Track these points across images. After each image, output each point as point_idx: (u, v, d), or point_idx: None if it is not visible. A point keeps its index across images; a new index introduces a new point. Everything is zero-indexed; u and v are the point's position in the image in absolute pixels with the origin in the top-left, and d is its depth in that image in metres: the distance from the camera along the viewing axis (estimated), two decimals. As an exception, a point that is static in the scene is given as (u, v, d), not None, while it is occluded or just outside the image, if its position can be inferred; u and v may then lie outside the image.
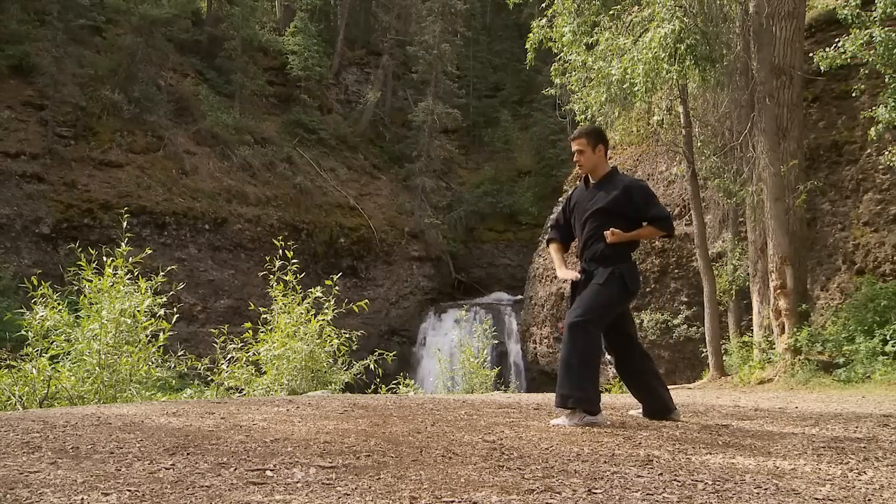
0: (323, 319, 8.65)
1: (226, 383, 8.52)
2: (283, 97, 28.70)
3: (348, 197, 26.55)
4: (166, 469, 2.58)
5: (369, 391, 9.66)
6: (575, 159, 4.34)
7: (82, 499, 2.13)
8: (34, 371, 6.80)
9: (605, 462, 2.87)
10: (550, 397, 7.19)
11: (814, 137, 13.09)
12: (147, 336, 7.49)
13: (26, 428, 3.54)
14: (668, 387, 4.66)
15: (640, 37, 10.73)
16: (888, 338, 9.21)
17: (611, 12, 11.51)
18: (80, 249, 8.40)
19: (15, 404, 6.64)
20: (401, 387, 11.35)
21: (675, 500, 2.26)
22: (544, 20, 12.55)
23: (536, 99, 29.16)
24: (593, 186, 4.34)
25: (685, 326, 15.43)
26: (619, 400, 7.13)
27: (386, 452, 2.99)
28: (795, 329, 9.80)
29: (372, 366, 8.98)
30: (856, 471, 2.85)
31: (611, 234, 4.14)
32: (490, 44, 37.42)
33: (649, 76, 9.97)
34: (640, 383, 4.46)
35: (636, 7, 11.55)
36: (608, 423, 4.09)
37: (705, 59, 9.90)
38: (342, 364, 8.91)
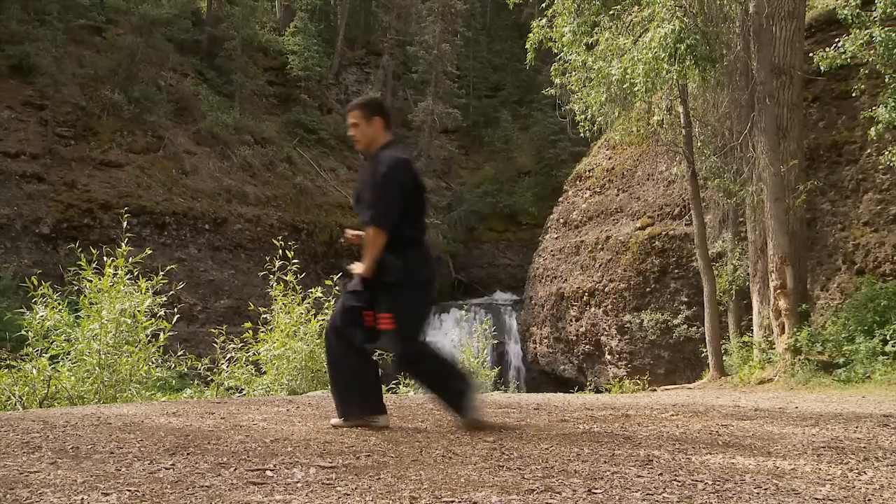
0: (323, 319, 8.65)
1: (226, 383, 8.53)
2: (283, 97, 28.70)
3: (348, 197, 26.54)
4: (166, 469, 2.58)
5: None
6: (350, 133, 3.86)
7: (82, 499, 2.14)
8: (34, 371, 6.81)
9: (605, 462, 2.87)
10: (551, 397, 7.19)
11: (814, 137, 13.08)
12: (147, 336, 7.50)
13: (26, 428, 3.54)
14: (666, 387, 4.57)
15: (640, 37, 10.74)
16: (888, 338, 9.21)
17: (611, 12, 11.51)
18: (80, 249, 8.41)
19: (15, 404, 6.64)
20: (401, 387, 11.36)
21: (675, 500, 2.26)
22: (544, 20, 12.56)
23: (536, 99, 29.16)
24: (368, 163, 3.89)
25: (685, 326, 15.42)
26: (619, 400, 7.13)
27: (386, 452, 3.00)
28: (795, 329, 9.80)
29: (372, 366, 8.97)
30: (856, 471, 2.85)
31: (351, 235, 3.83)
32: (490, 44, 37.41)
33: (649, 76, 9.97)
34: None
35: (636, 7, 11.55)
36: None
37: (705, 59, 9.90)
38: (342, 364, 8.90)
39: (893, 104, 9.12)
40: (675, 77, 10.15)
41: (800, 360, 9.57)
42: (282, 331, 8.50)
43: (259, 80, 27.08)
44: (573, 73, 12.32)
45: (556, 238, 20.21)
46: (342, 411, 3.82)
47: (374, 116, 3.81)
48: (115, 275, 7.42)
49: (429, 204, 3.89)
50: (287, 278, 8.76)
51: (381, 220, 3.60)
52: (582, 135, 13.51)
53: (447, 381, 3.79)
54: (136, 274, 7.62)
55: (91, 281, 7.37)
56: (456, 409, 3.78)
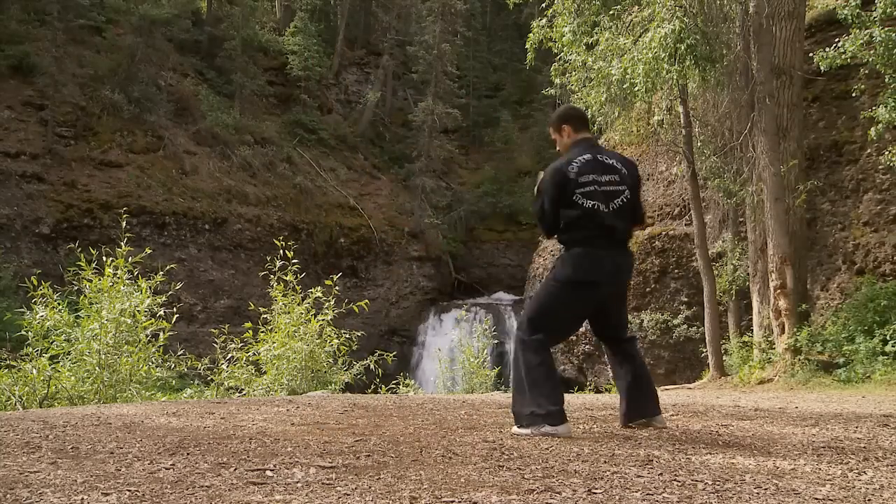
0: (323, 319, 8.66)
1: (226, 383, 8.53)
2: (283, 97, 28.69)
3: (348, 197, 26.55)
4: (166, 469, 2.58)
5: (369, 391, 9.67)
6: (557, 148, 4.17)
7: (82, 499, 2.14)
8: (34, 371, 6.81)
9: (605, 462, 2.87)
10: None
11: (814, 137, 13.08)
12: (147, 336, 7.50)
13: (26, 428, 3.54)
14: (666, 387, 4.52)
15: (640, 37, 10.73)
16: (888, 338, 9.21)
17: (611, 12, 11.50)
18: (80, 249, 8.41)
19: (15, 404, 6.65)
20: (401, 387, 11.36)
21: (675, 500, 2.26)
22: (544, 20, 12.55)
23: (536, 99, 29.17)
24: None
25: (685, 326, 15.42)
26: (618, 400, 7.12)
27: (386, 452, 3.00)
28: (795, 329, 9.80)
29: (372, 366, 9.00)
30: (856, 471, 2.85)
31: None
32: (490, 44, 37.42)
33: (649, 76, 9.97)
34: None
35: (636, 7, 11.55)
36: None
37: (705, 59, 9.90)
38: (342, 364, 8.92)
39: (893, 104, 9.11)
40: (675, 77, 10.16)
41: (800, 360, 9.57)
42: (282, 331, 8.50)
43: (259, 80, 27.08)
44: (573, 73, 12.31)
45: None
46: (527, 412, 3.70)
47: (561, 125, 4.01)
48: (114, 275, 7.42)
49: (596, 200, 3.76)
50: (287, 278, 8.76)
51: (541, 228, 3.99)
52: (582, 135, 13.47)
53: (532, 389, 3.61)
54: (135, 274, 7.62)
55: (91, 281, 7.37)
56: (517, 414, 3.65)
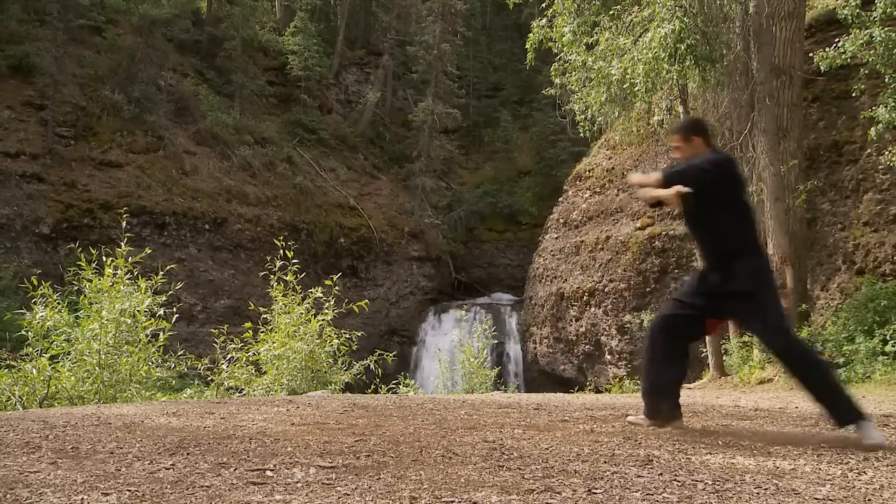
0: (323, 319, 8.66)
1: (226, 383, 8.53)
2: (283, 97, 28.69)
3: (348, 197, 26.55)
4: (166, 469, 2.58)
5: (369, 391, 9.67)
6: (674, 156, 4.17)
7: (82, 499, 2.14)
8: (34, 371, 6.81)
9: (605, 462, 2.87)
10: (551, 397, 7.19)
11: (814, 137, 13.08)
12: (147, 336, 7.50)
13: (26, 428, 3.54)
14: None
15: (640, 37, 10.74)
16: (888, 338, 9.21)
17: (611, 12, 11.51)
18: (80, 249, 8.42)
19: (15, 404, 6.65)
20: (401, 387, 11.36)
21: (675, 500, 2.26)
22: (544, 20, 12.56)
23: (536, 99, 29.15)
24: None
25: (685, 326, 15.41)
26: (619, 400, 7.13)
27: (386, 452, 3.00)
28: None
29: (372, 366, 8.99)
30: (856, 471, 2.85)
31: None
32: (490, 44, 37.42)
33: (649, 76, 9.97)
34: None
35: (636, 7, 11.55)
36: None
37: (705, 59, 9.90)
38: (342, 364, 8.92)
39: (893, 104, 9.11)
40: (675, 77, 10.16)
41: (800, 360, 9.56)
42: (282, 331, 8.50)
43: (259, 80, 27.07)
44: (573, 73, 12.32)
45: (556, 238, 20.21)
46: (651, 410, 4.00)
47: (692, 136, 4.04)
48: (114, 275, 7.42)
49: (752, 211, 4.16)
50: (287, 278, 8.76)
51: (675, 176, 3.78)
52: (582, 135, 13.50)
53: (839, 387, 3.71)
54: (135, 274, 7.62)
55: (91, 281, 7.37)
56: (840, 411, 3.65)
